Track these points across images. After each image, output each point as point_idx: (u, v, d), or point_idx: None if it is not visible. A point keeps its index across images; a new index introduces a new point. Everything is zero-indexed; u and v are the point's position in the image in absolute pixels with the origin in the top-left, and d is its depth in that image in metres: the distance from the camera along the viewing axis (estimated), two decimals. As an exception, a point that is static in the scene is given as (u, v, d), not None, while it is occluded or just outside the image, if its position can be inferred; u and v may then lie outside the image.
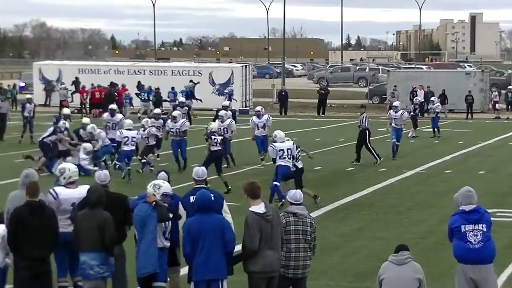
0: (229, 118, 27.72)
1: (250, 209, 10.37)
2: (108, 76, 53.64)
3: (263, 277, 10.31)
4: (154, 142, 25.99)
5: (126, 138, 24.75)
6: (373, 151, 28.05)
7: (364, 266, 14.43)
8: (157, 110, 29.93)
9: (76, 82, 53.46)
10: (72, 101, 50.95)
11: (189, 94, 47.49)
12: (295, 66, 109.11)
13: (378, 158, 27.91)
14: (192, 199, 11.46)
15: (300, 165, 20.40)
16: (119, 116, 27.01)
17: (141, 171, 25.22)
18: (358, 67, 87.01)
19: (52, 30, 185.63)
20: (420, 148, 33.47)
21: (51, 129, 25.26)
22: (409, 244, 10.21)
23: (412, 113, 37.16)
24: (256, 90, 59.50)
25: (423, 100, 46.11)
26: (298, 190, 10.86)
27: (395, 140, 29.55)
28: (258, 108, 28.61)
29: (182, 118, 27.65)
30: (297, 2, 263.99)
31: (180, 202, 11.68)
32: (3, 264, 11.21)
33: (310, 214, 10.93)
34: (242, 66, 57.50)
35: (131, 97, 47.92)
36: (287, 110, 52.72)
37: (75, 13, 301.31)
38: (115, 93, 48.07)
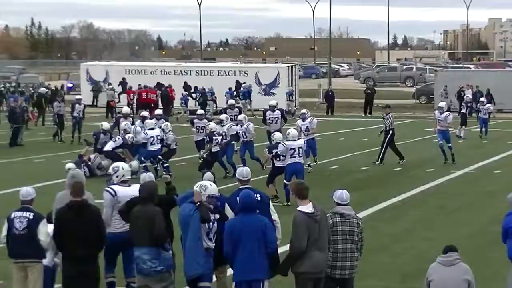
0: (247, 122, 26.49)
1: (298, 208, 10.31)
2: (155, 77, 53.89)
3: (310, 277, 10.25)
4: (176, 147, 25.71)
5: (152, 138, 24.71)
6: (383, 152, 27.46)
7: (412, 267, 14.30)
8: (200, 111, 29.81)
9: (123, 83, 53.81)
10: (119, 101, 51.10)
11: (247, 94, 47.84)
12: (341, 66, 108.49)
13: (379, 160, 27.42)
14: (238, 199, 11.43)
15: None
16: (149, 122, 26.37)
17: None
18: (405, 67, 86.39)
19: (99, 31, 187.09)
20: (468, 148, 33.10)
21: (120, 141, 24.76)
22: (458, 245, 10.04)
23: (462, 111, 36.66)
24: (302, 90, 59.35)
25: (471, 99, 45.54)
26: (345, 191, 10.71)
27: (442, 143, 28.22)
28: (304, 110, 27.47)
29: (231, 121, 27.04)
30: (343, 1, 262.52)
31: (226, 203, 11.64)
32: (52, 263, 11.32)
33: (357, 215, 10.83)
34: (288, 66, 57.34)
35: (187, 98, 48.11)
36: (334, 110, 52.59)
37: (121, 14, 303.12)
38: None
